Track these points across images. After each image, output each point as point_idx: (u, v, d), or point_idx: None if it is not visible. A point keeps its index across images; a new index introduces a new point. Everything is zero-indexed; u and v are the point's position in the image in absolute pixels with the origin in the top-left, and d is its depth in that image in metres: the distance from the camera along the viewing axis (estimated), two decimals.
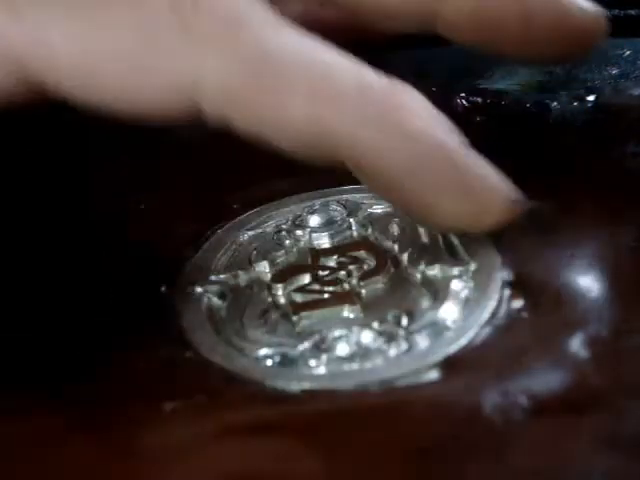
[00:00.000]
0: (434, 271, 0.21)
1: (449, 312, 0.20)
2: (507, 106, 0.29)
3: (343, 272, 0.22)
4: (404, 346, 0.19)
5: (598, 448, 0.16)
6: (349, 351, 0.20)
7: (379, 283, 0.22)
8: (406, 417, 0.18)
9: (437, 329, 0.20)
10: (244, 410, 0.19)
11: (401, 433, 0.17)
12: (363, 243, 0.23)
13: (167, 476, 0.18)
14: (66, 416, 0.19)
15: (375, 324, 0.20)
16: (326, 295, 0.21)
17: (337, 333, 0.20)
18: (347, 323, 0.20)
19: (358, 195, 0.25)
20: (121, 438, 0.18)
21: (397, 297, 0.21)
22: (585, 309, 0.19)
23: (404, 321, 0.20)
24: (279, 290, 0.22)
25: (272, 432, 0.18)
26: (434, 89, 0.31)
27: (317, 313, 0.21)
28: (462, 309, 0.20)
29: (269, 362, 0.20)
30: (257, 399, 0.19)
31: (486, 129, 0.28)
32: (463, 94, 0.29)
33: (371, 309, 0.21)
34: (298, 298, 0.21)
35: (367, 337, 0.20)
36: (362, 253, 0.23)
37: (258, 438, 0.18)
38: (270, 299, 0.22)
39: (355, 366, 0.19)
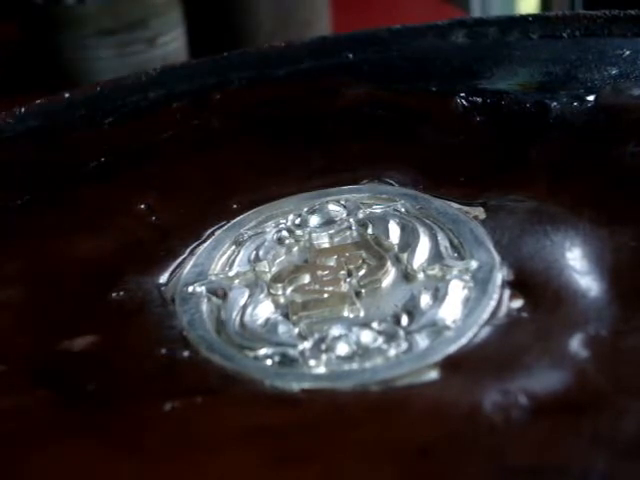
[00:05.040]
0: (434, 271, 0.21)
1: (449, 312, 0.20)
2: (507, 106, 0.29)
3: (343, 272, 0.22)
4: (404, 346, 0.19)
5: (598, 448, 0.16)
6: (349, 351, 0.19)
7: (379, 283, 0.22)
8: (406, 417, 0.18)
9: (437, 329, 0.20)
10: (243, 410, 0.19)
11: (400, 433, 0.17)
12: (363, 243, 0.23)
13: (167, 475, 0.18)
14: (66, 416, 0.19)
15: (375, 324, 0.20)
16: (326, 295, 0.21)
17: (337, 333, 0.20)
18: (347, 323, 0.20)
19: (358, 195, 0.25)
20: (121, 438, 0.18)
21: (397, 297, 0.21)
22: (585, 309, 0.19)
23: (404, 321, 0.20)
24: (279, 290, 0.22)
25: (272, 431, 0.18)
26: (434, 89, 0.31)
27: (317, 313, 0.21)
28: (462, 309, 0.20)
29: (269, 362, 0.20)
30: (257, 399, 0.19)
31: (486, 129, 0.28)
32: (463, 94, 0.29)
33: (371, 309, 0.21)
34: (298, 298, 0.21)
35: (367, 337, 0.20)
36: (362, 253, 0.23)
37: (258, 437, 0.18)
38: (270, 299, 0.22)
39: (355, 366, 0.19)
